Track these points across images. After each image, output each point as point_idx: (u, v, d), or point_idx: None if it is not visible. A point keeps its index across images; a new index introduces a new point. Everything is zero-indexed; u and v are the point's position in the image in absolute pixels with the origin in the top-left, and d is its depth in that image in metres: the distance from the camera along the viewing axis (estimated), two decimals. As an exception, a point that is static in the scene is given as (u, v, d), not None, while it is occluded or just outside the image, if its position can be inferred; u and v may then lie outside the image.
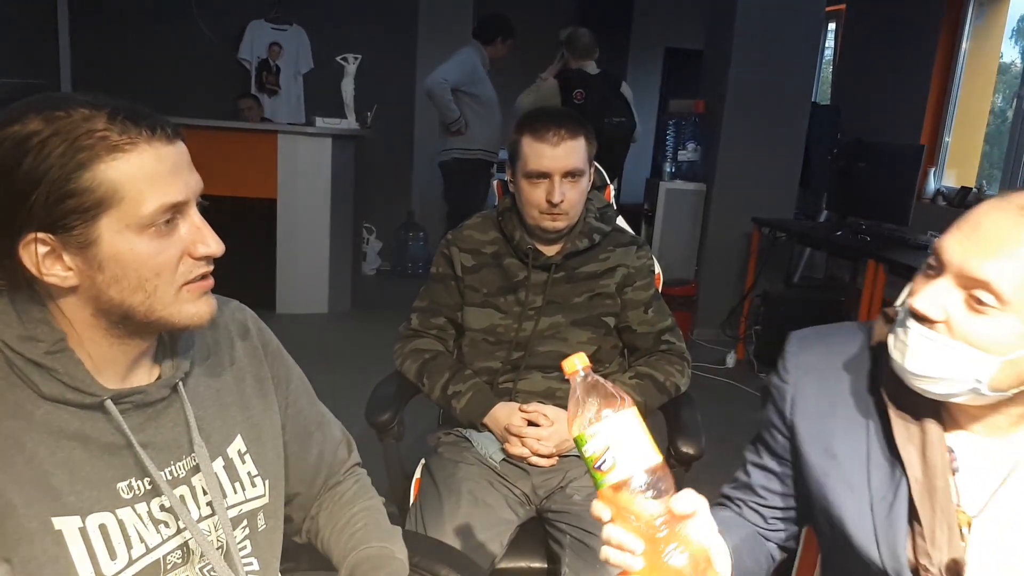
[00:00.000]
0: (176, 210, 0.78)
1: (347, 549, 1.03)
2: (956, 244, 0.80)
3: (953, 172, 4.85)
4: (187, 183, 0.79)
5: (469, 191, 4.40)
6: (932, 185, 4.69)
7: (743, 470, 1.09)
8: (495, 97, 4.39)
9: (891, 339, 0.87)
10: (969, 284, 0.79)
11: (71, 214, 0.72)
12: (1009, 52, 4.75)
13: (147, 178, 0.75)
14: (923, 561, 0.86)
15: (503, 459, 1.57)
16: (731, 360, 4.07)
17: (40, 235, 0.73)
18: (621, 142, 4.09)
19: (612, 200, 1.87)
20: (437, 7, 5.65)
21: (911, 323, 0.83)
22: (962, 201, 4.33)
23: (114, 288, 0.76)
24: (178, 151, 0.78)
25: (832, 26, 5.98)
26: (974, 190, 4.36)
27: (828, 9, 4.73)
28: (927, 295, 0.81)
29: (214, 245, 0.80)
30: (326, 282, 4.51)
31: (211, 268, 0.83)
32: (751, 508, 1.08)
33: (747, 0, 4.17)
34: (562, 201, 1.54)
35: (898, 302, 0.90)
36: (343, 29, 5.52)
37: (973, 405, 0.86)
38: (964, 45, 4.74)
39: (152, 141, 0.75)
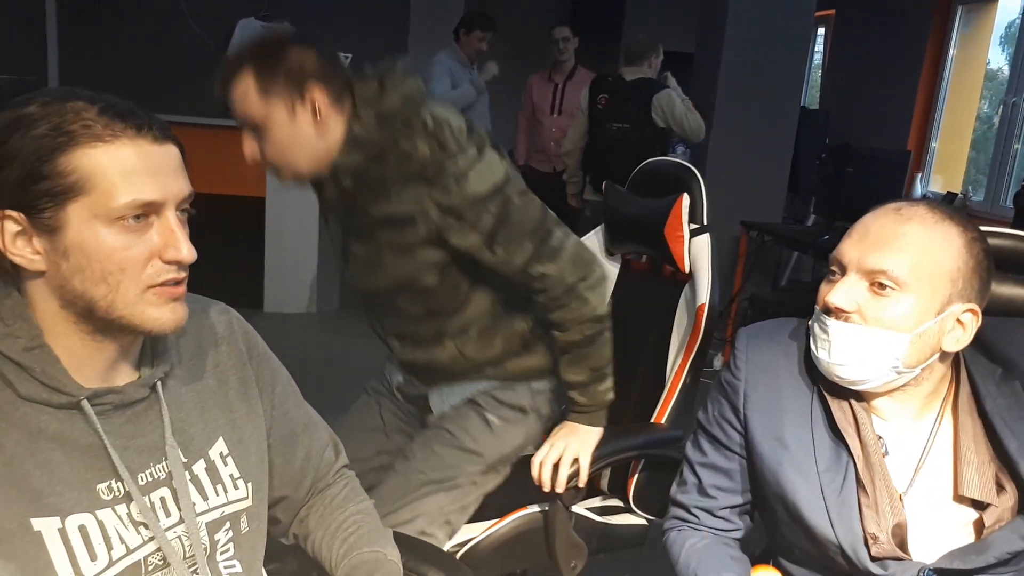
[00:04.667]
0: (150, 209, 0.78)
1: (340, 555, 1.03)
2: (853, 248, 0.97)
3: (940, 177, 4.89)
4: (166, 185, 0.79)
5: None
6: (919, 190, 4.72)
7: (691, 472, 1.16)
8: (480, 96, 4.39)
9: (812, 341, 1.00)
10: (870, 275, 0.95)
11: (43, 196, 0.74)
12: (996, 58, 4.79)
13: (122, 172, 0.75)
14: (872, 530, 0.97)
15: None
16: (718, 362, 4.08)
17: (11, 212, 0.74)
18: (621, 150, 3.89)
19: None
20: (428, 6, 5.64)
21: (829, 320, 0.97)
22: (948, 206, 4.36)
23: (78, 278, 0.76)
24: (165, 153, 0.79)
25: (821, 31, 6.02)
26: (960, 195, 4.40)
27: (818, 14, 4.75)
28: (838, 291, 0.96)
29: (185, 251, 0.80)
30: (315, 281, 4.50)
31: (183, 276, 0.82)
32: (707, 512, 1.14)
33: (738, 4, 4.18)
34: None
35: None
36: (334, 27, 5.50)
37: (890, 389, 0.99)
38: (951, 51, 4.78)
39: (136, 138, 0.76)
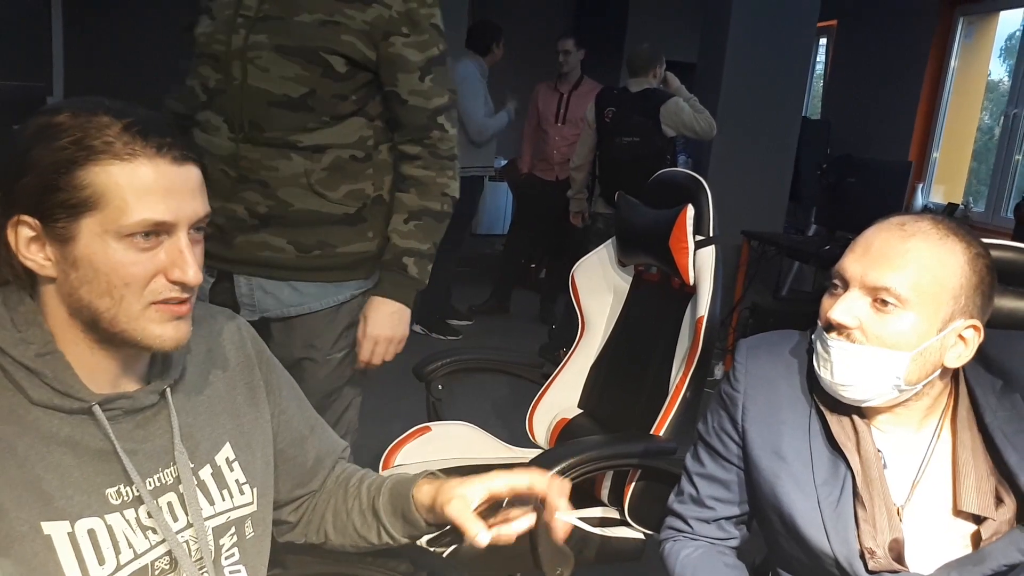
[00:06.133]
0: (161, 228, 0.79)
1: (374, 488, 1.04)
2: (856, 263, 0.96)
3: (941, 188, 4.89)
4: (180, 207, 0.79)
5: (465, 205, 4.38)
6: (920, 201, 4.72)
7: (689, 483, 1.16)
8: (492, 110, 4.38)
9: (814, 359, 0.99)
10: (872, 292, 0.95)
11: (57, 207, 0.75)
12: (997, 70, 4.81)
13: (136, 190, 0.76)
14: (868, 545, 0.97)
15: None
16: (719, 372, 4.09)
17: (26, 218, 0.76)
18: (632, 163, 3.87)
19: None
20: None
21: (830, 339, 0.97)
22: (949, 217, 4.36)
23: (84, 288, 0.78)
24: (183, 174, 0.80)
25: (823, 41, 6.04)
26: (961, 206, 4.40)
27: (820, 25, 4.77)
28: (840, 307, 0.96)
29: (191, 274, 0.80)
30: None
31: (187, 296, 0.82)
32: (703, 522, 1.14)
33: (740, 14, 4.20)
34: None
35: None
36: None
37: (891, 405, 0.99)
38: (953, 63, 4.79)
39: (155, 158, 0.77)
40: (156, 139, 0.77)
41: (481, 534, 0.89)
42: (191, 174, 0.81)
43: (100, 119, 0.76)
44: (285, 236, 1.45)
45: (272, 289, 1.48)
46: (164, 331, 0.81)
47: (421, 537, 1.04)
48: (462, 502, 0.92)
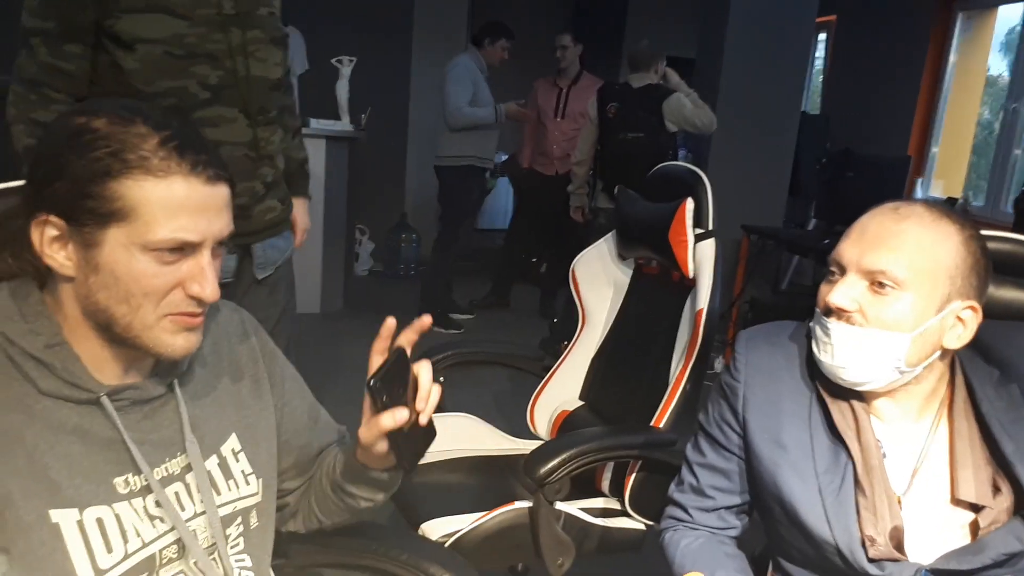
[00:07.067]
0: (187, 245, 0.79)
1: (333, 467, 1.03)
2: (852, 248, 0.98)
3: (940, 183, 4.90)
4: (208, 226, 0.80)
5: (461, 195, 4.39)
6: (919, 195, 4.73)
7: (689, 472, 1.17)
8: (491, 103, 4.38)
9: (814, 344, 1.00)
10: (869, 275, 0.95)
11: (86, 213, 0.76)
12: (996, 64, 4.81)
13: (167, 208, 0.77)
14: (869, 532, 0.98)
15: None
16: (719, 365, 4.09)
17: (53, 218, 0.77)
18: (637, 159, 3.80)
19: None
20: (432, 10, 5.67)
21: (830, 322, 0.98)
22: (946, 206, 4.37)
23: (102, 293, 0.78)
24: (213, 193, 0.80)
25: (823, 36, 6.04)
26: (960, 201, 4.41)
27: (819, 20, 4.77)
28: (838, 291, 0.97)
29: (209, 291, 0.81)
30: (319, 282, 4.52)
31: (201, 310, 0.83)
32: (703, 511, 1.15)
33: (739, 10, 4.21)
34: None
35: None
36: (338, 31, 5.53)
37: (891, 389, 0.99)
38: (952, 57, 4.80)
39: (189, 176, 0.78)
40: (192, 156, 0.78)
41: (397, 414, 0.85)
42: (221, 193, 0.81)
43: (137, 128, 0.76)
44: (277, 195, 1.70)
45: (276, 243, 1.72)
46: (175, 340, 0.82)
47: (394, 490, 1.03)
48: (366, 426, 0.90)
